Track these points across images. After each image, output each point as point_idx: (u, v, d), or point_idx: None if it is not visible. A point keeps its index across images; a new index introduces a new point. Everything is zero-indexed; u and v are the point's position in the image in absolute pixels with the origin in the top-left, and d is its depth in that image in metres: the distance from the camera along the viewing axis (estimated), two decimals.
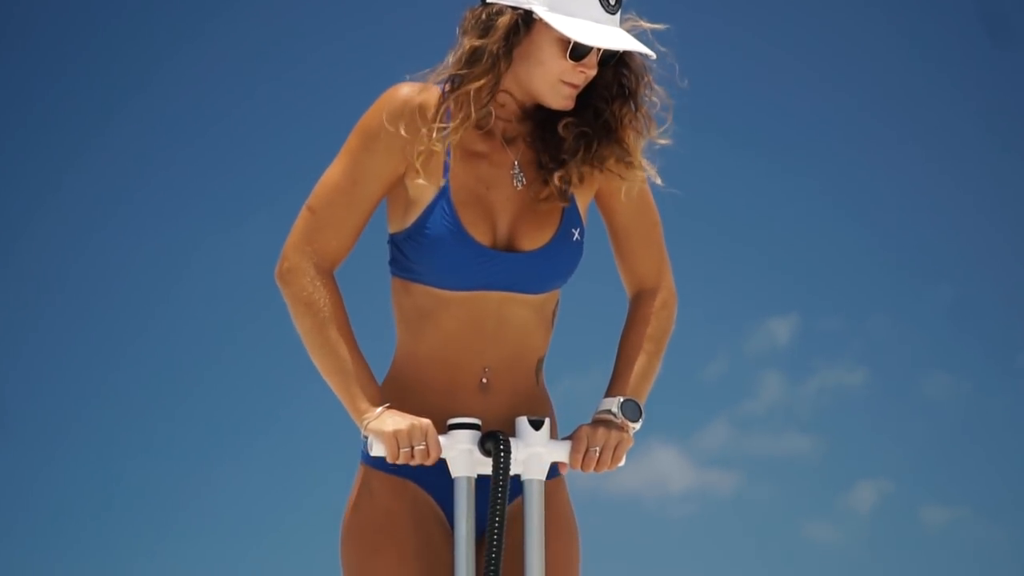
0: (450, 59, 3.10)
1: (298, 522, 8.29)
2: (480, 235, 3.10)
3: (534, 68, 3.07)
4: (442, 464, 3.04)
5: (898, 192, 9.46)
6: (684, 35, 3.15)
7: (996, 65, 9.36)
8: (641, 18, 3.12)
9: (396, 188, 3.13)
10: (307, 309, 3.08)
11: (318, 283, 3.08)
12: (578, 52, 3.04)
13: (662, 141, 3.15)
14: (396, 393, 3.12)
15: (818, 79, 9.43)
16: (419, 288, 3.14)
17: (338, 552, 3.19)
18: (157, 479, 8.66)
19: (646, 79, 3.14)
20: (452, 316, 3.13)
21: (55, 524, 8.60)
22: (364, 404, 3.04)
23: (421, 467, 3.04)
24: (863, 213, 9.45)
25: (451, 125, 3.07)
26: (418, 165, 3.08)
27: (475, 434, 3.02)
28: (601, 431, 3.08)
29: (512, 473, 3.00)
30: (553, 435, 3.16)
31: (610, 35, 3.05)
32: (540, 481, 3.04)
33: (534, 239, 3.14)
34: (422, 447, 2.98)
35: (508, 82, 3.10)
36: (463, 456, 3.02)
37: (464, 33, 3.09)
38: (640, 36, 3.09)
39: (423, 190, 3.10)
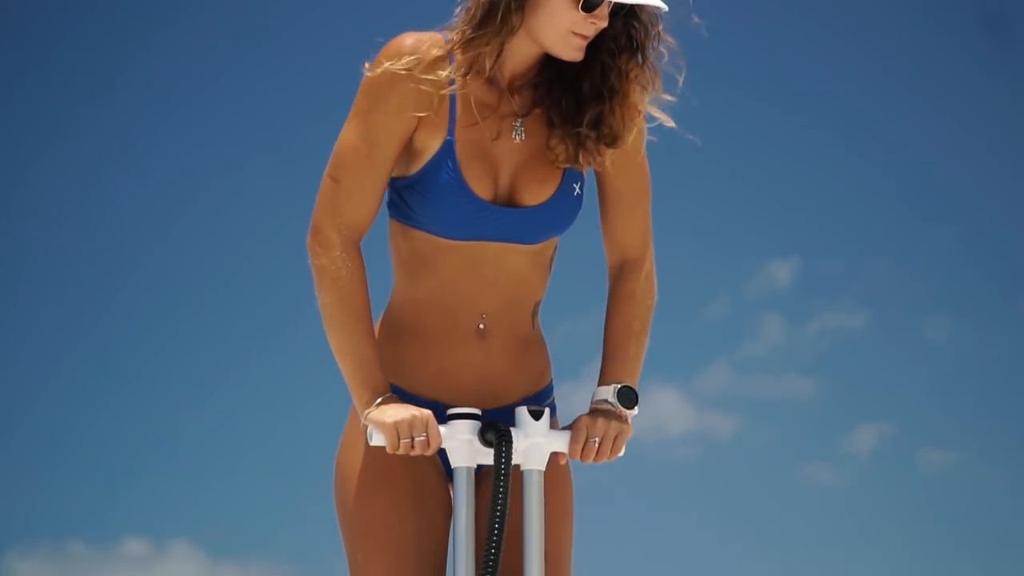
0: (459, 12, 3.07)
1: (289, 461, 8.31)
2: (482, 190, 3.08)
3: (545, 19, 3.03)
4: (436, 407, 3.05)
5: (900, 133, 9.42)
6: None
7: (1000, 3, 9.31)
8: None
9: None
10: (332, 284, 3.05)
11: (347, 258, 3.05)
12: (590, 3, 3.01)
13: (668, 97, 3.12)
14: (393, 336, 3.12)
15: (821, 19, 9.38)
16: (418, 234, 3.12)
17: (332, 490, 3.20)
18: (150, 411, 8.71)
19: (655, 31, 3.10)
20: (450, 263, 3.12)
21: (51, 451, 8.65)
22: (367, 394, 3.03)
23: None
24: (865, 155, 9.42)
25: (458, 78, 3.04)
26: (425, 118, 3.05)
27: (475, 424, 3.01)
28: (600, 422, 3.08)
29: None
30: (545, 378, 3.19)
31: None
32: (540, 471, 3.03)
33: (536, 194, 3.12)
34: (422, 438, 2.97)
35: (518, 33, 3.06)
36: (463, 446, 3.01)
37: None
38: None
39: (428, 141, 3.08)
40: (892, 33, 9.38)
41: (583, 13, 3.01)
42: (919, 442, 8.99)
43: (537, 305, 3.22)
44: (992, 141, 9.36)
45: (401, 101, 3.05)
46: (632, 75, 3.09)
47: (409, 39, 3.07)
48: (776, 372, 9.15)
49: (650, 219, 3.26)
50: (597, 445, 3.06)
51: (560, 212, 3.15)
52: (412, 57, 3.04)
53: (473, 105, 3.09)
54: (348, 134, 3.08)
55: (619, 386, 3.11)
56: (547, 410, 3.06)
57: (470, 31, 3.03)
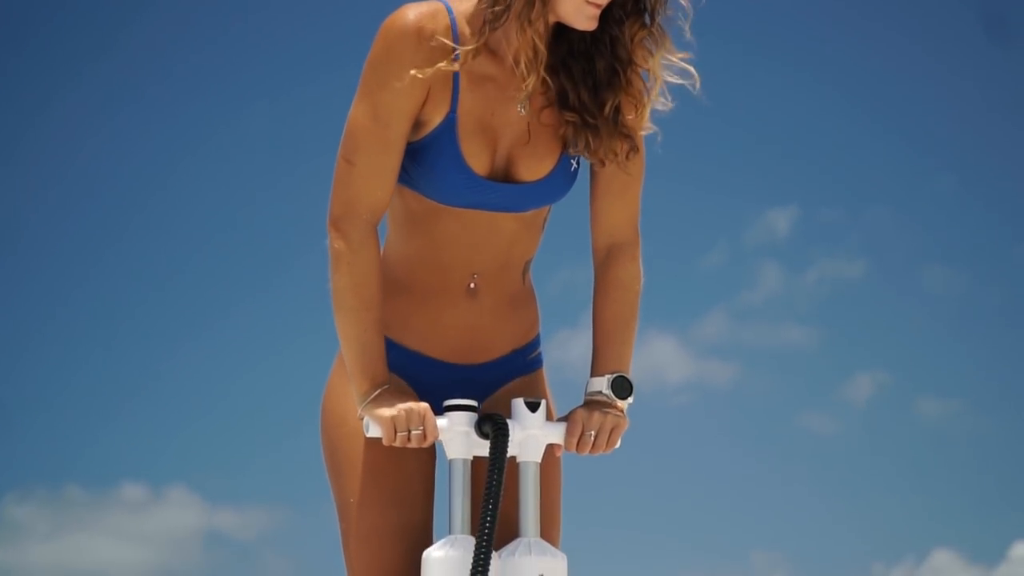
0: None
1: (288, 406, 8.33)
2: (479, 166, 3.07)
3: None
4: (424, 359, 3.11)
5: (899, 81, 9.39)
6: None
7: None
8: None
9: None
10: (348, 270, 3.04)
11: (364, 244, 3.03)
12: None
13: (673, 58, 3.08)
14: (385, 287, 3.11)
15: None
16: (413, 195, 3.11)
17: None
18: (147, 354, 8.73)
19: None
20: (443, 225, 3.12)
21: (47, 395, 8.67)
22: (367, 383, 3.02)
23: (401, 358, 3.10)
24: (864, 103, 9.39)
25: (463, 52, 3.00)
26: (431, 92, 3.02)
27: (472, 416, 3.01)
28: (596, 415, 3.07)
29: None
30: (534, 330, 3.22)
31: None
32: (536, 463, 3.04)
33: (533, 171, 3.11)
34: (419, 431, 2.98)
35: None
36: (459, 438, 3.01)
37: None
38: None
39: (431, 115, 3.06)
40: None
41: None
42: (917, 390, 9.01)
43: (528, 263, 3.23)
44: (991, 91, 9.34)
45: (407, 80, 3.01)
46: (637, 39, 3.05)
47: (411, 13, 3.02)
48: (774, 320, 9.15)
49: (640, 203, 3.22)
50: (593, 438, 3.06)
51: (555, 187, 3.13)
52: (414, 33, 3.00)
53: (477, 76, 3.06)
54: (358, 114, 3.05)
55: (613, 376, 3.11)
56: (543, 402, 3.05)
57: (493, 12, 2.98)
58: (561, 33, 3.07)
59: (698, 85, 3.08)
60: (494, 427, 2.96)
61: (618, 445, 3.10)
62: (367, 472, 3.09)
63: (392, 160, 3.04)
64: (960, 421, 8.97)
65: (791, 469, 8.88)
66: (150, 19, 8.93)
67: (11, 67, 8.84)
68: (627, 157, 3.11)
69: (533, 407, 3.03)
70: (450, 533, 2.99)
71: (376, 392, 3.01)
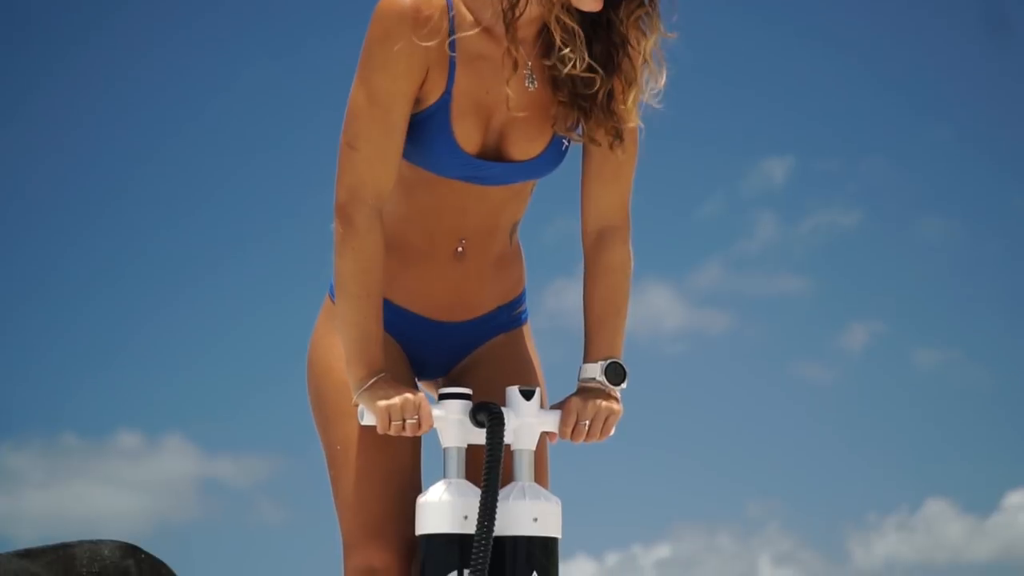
0: None
1: (284, 354, 8.35)
2: (471, 146, 3.07)
3: None
4: (412, 316, 3.15)
5: (895, 31, 9.37)
6: None
7: None
8: None
9: None
10: (352, 255, 3.03)
11: (369, 229, 3.02)
12: None
13: (669, 35, 3.08)
14: None
15: None
16: (404, 162, 3.10)
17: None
18: (142, 302, 8.75)
19: None
20: (433, 192, 3.13)
21: (43, 342, 8.68)
22: (363, 370, 3.01)
23: (389, 313, 3.11)
24: (860, 53, 9.38)
25: (459, 33, 3.00)
26: (428, 72, 3.02)
27: (466, 404, 3.02)
28: (591, 404, 3.08)
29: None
30: (519, 286, 3.25)
31: None
32: (531, 451, 3.04)
33: (525, 150, 3.11)
34: (413, 421, 2.98)
35: None
36: (454, 426, 3.01)
37: None
38: None
39: (427, 94, 3.05)
40: None
41: None
42: (910, 340, 9.03)
43: (516, 224, 3.25)
44: (988, 41, 9.32)
45: (405, 62, 3.00)
46: (634, 17, 3.04)
47: None
48: (770, 270, 9.17)
49: (631, 187, 3.21)
50: (587, 427, 3.07)
51: (546, 165, 3.14)
52: (410, 16, 2.98)
53: (472, 56, 3.05)
54: (358, 98, 3.04)
55: (607, 363, 3.11)
56: (537, 390, 3.05)
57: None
58: None
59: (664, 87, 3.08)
60: (489, 415, 2.96)
61: (612, 433, 3.10)
62: (354, 419, 3.09)
63: (394, 143, 3.03)
64: (955, 371, 9.00)
65: (786, 418, 8.91)
66: None
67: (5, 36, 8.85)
68: (619, 139, 3.10)
69: (528, 395, 3.03)
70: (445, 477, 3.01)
71: (372, 380, 3.00)
